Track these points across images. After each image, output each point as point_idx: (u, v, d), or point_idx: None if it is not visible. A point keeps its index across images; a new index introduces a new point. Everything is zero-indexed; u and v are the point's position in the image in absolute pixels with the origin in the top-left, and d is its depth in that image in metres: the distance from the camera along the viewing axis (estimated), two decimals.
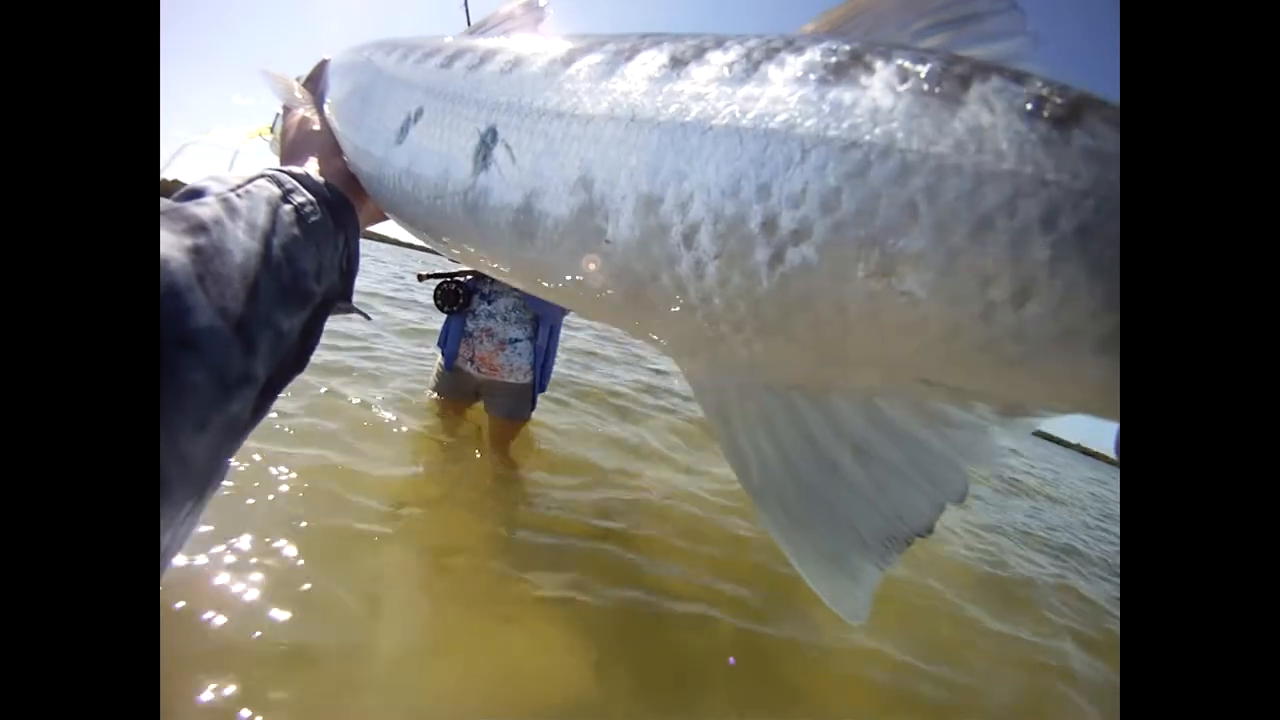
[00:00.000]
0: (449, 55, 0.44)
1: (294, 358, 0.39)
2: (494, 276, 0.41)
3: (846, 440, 0.28)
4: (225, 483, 0.36)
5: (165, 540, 0.29)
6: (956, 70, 0.25)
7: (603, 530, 1.99)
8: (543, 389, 2.27)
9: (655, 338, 0.31)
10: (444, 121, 0.40)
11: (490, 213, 0.35)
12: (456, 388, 2.29)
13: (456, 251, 0.42)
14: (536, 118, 0.33)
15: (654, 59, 0.30)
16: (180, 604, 1.23)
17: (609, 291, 0.30)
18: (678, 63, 0.29)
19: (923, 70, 0.25)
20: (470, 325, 2.17)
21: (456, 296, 2.11)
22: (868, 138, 0.24)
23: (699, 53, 0.29)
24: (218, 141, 0.68)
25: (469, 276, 2.14)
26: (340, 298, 0.45)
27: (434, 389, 2.36)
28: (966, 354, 0.25)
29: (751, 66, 0.27)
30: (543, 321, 2.17)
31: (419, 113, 0.43)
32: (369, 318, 0.55)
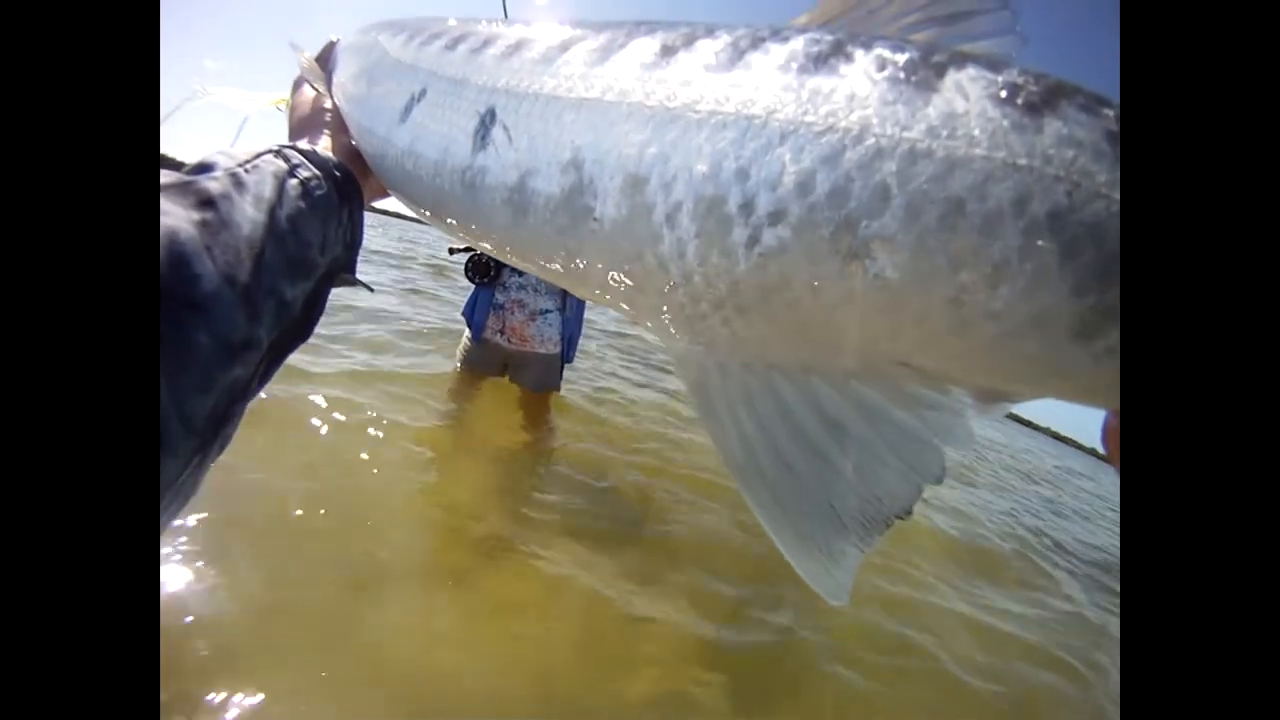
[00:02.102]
0: (453, 39, 0.45)
1: (298, 326, 0.41)
2: (488, 253, 0.43)
3: (825, 420, 0.29)
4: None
5: (166, 498, 0.31)
6: (934, 59, 0.26)
7: (620, 508, 2.02)
8: (569, 360, 2.33)
9: (640, 315, 0.32)
10: (446, 103, 0.42)
11: (486, 191, 0.36)
12: (484, 360, 2.33)
13: (453, 228, 0.43)
14: (533, 101, 0.35)
15: (647, 46, 0.31)
16: (177, 558, 1.25)
17: (595, 268, 0.32)
18: (668, 50, 0.30)
19: (900, 59, 0.26)
20: (500, 297, 2.21)
21: (488, 268, 2.17)
22: (843, 124, 0.25)
23: (689, 41, 0.30)
24: (226, 100, 0.69)
25: None
26: (344, 269, 0.47)
27: (461, 361, 2.39)
28: (940, 336, 0.26)
29: (737, 55, 0.28)
30: (570, 294, 2.20)
31: (422, 94, 0.45)
32: (372, 289, 0.57)
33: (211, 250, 0.33)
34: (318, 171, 0.44)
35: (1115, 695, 2.03)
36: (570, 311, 2.25)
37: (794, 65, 0.27)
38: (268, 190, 0.38)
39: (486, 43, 0.41)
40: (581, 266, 0.32)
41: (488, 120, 0.37)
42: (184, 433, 0.30)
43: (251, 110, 0.70)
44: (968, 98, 0.25)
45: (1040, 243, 0.24)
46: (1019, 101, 0.26)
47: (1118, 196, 0.24)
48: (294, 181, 0.41)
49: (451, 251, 2.37)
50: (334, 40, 0.65)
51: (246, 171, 0.38)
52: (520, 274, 2.20)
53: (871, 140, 0.24)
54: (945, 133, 0.25)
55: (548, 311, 2.22)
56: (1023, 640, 2.16)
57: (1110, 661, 2.23)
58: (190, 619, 1.13)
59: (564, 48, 0.35)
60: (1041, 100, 0.26)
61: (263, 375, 0.39)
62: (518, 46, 0.38)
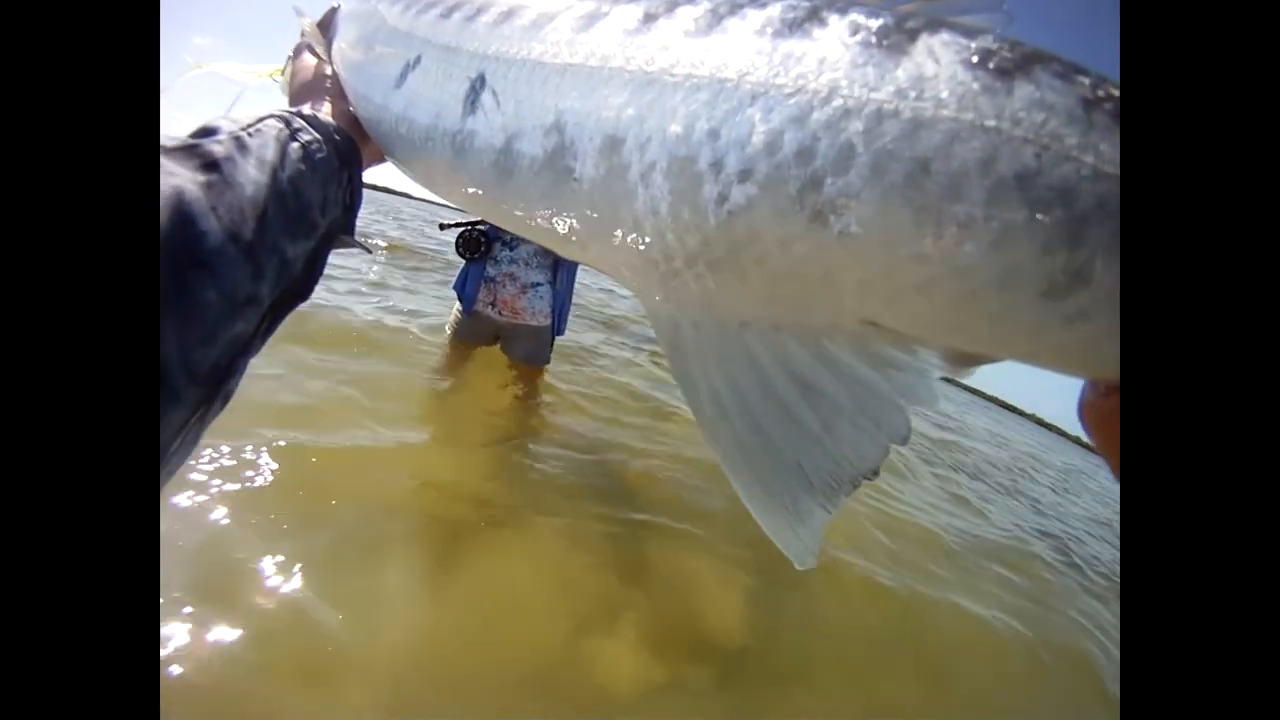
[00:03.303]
0: (448, 6, 0.45)
1: (299, 285, 0.42)
2: (478, 214, 0.44)
3: (794, 377, 0.30)
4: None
5: (172, 446, 0.32)
6: (908, 25, 0.26)
7: (609, 485, 2.01)
8: (560, 332, 2.33)
9: (619, 272, 0.33)
10: (439, 69, 0.42)
11: (475, 154, 0.37)
12: (475, 332, 2.34)
13: (445, 191, 0.44)
14: (521, 66, 0.35)
15: (630, 13, 0.32)
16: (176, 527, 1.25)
17: (576, 226, 0.32)
18: (650, 17, 0.31)
19: (874, 24, 0.26)
20: (492, 270, 2.21)
21: (479, 244, 2.15)
22: (812, 85, 0.25)
23: (671, 7, 0.30)
24: (224, 72, 0.69)
25: (490, 224, 2.16)
26: (343, 230, 0.48)
27: (451, 334, 2.39)
28: (906, 294, 0.26)
29: (716, 20, 0.28)
30: (561, 267, 2.22)
31: (417, 60, 0.45)
32: (370, 250, 0.57)
33: (216, 209, 0.33)
34: (318, 135, 0.44)
35: None
36: (561, 285, 2.24)
37: (769, 30, 0.27)
38: (270, 153, 0.39)
39: (480, 10, 0.41)
40: (563, 225, 0.33)
41: (478, 85, 0.38)
42: (188, 383, 0.31)
43: (249, 82, 0.70)
44: (938, 61, 0.26)
45: (1006, 202, 0.24)
46: (991, 66, 0.26)
47: (1089, 160, 0.24)
48: (295, 145, 0.42)
49: (442, 227, 2.33)
50: (336, 6, 0.65)
51: (249, 135, 0.39)
52: (511, 248, 2.19)
53: (839, 101, 0.25)
54: (913, 94, 0.25)
55: (539, 284, 2.21)
56: None
57: None
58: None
59: (552, 15, 0.35)
60: (1014, 65, 0.26)
61: (264, 332, 0.40)
62: (509, 14, 0.38)
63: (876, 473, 0.30)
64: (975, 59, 0.26)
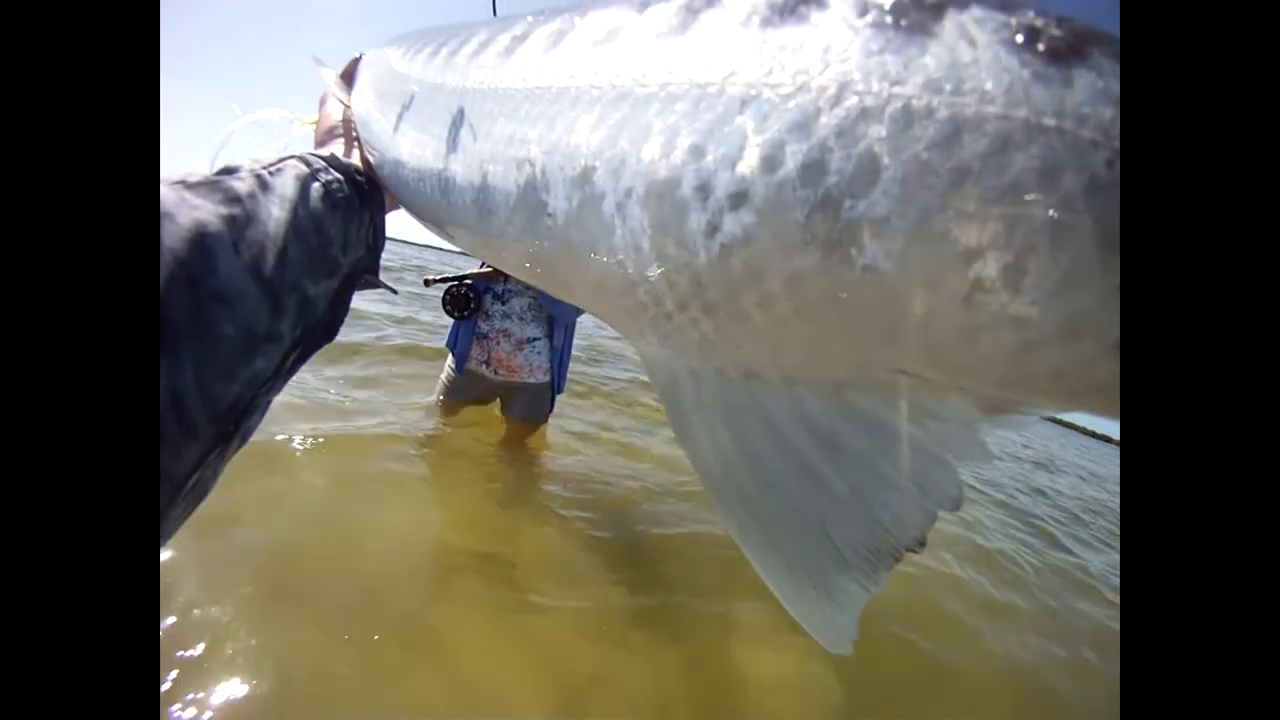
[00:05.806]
0: (439, 45, 0.41)
1: (322, 325, 0.39)
2: (476, 257, 0.38)
3: (815, 435, 0.23)
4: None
5: (189, 482, 0.29)
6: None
7: (609, 540, 1.70)
8: (560, 389, 2.02)
9: (605, 316, 0.27)
10: (425, 110, 0.37)
11: (458, 193, 0.32)
12: (468, 391, 2.01)
13: (442, 234, 0.39)
14: (493, 97, 0.29)
15: (598, 23, 0.25)
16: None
17: (558, 267, 0.26)
18: (618, 23, 0.24)
19: (886, 1, 0.19)
20: (484, 326, 1.90)
21: (467, 301, 1.84)
22: (816, 82, 0.18)
23: (641, 9, 0.24)
24: (269, 118, 0.66)
25: (478, 277, 1.88)
26: (367, 270, 0.44)
27: (442, 394, 2.04)
28: (948, 344, 0.19)
29: (691, 16, 0.22)
30: (556, 322, 1.93)
31: (410, 103, 0.40)
32: (395, 291, 0.53)
33: (238, 245, 0.31)
34: (339, 175, 0.41)
35: None
36: (559, 341, 1.92)
37: (755, 19, 0.20)
38: (290, 190, 0.36)
39: (464, 44, 0.36)
40: (546, 266, 0.27)
41: (458, 121, 0.33)
42: (206, 419, 0.29)
43: (293, 132, 0.68)
44: (975, 44, 0.19)
45: (1075, 225, 0.17)
46: (1040, 48, 0.19)
47: None
48: (316, 184, 0.39)
49: (427, 283, 1.98)
50: (358, 55, 0.62)
51: (271, 174, 0.36)
52: (503, 301, 1.89)
53: (853, 100, 0.18)
54: (949, 87, 0.18)
55: (535, 339, 1.90)
56: None
57: None
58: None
59: (524, 37, 0.29)
60: (1068, 46, 0.19)
61: (288, 371, 0.37)
62: (487, 43, 0.33)
63: (923, 544, 0.23)
64: (1020, 39, 0.19)
